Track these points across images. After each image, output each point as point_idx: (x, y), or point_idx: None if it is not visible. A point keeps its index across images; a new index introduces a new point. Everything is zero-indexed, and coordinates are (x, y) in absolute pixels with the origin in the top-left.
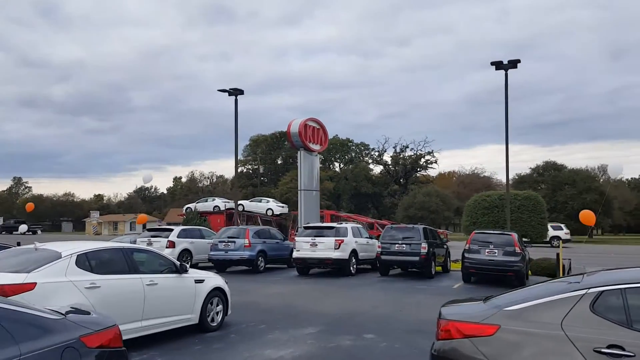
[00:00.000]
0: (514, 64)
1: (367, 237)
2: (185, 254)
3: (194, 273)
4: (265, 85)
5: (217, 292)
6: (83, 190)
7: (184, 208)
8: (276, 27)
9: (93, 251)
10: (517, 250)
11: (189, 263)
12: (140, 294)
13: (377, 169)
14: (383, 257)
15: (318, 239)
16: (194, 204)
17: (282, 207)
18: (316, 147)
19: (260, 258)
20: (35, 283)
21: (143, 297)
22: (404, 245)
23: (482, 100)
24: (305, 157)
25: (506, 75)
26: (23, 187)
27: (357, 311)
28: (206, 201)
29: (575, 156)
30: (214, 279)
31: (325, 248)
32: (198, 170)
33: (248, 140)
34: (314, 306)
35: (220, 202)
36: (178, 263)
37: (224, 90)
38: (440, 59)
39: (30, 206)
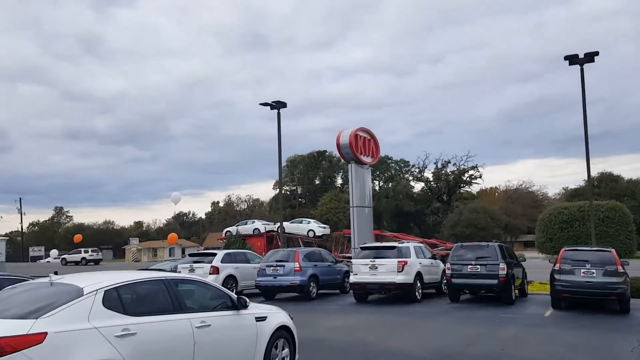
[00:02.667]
0: (590, 57)
1: (430, 258)
2: (230, 280)
3: (254, 308)
4: (300, 109)
5: (283, 331)
6: (123, 218)
7: (224, 232)
8: (310, 52)
9: (126, 285)
10: (620, 269)
11: (234, 290)
12: (189, 339)
13: (418, 186)
14: (454, 280)
15: (378, 261)
16: (233, 227)
17: (324, 227)
18: (368, 159)
19: (312, 283)
20: (46, 333)
21: (192, 344)
22: (479, 267)
23: (518, 115)
24: (357, 170)
25: (582, 70)
26: (64, 216)
27: (449, 351)
28: (246, 224)
29: (619, 168)
30: (277, 315)
31: (386, 271)
32: (235, 194)
33: (285, 162)
34: (392, 343)
35: (260, 225)
36: (235, 296)
37: (266, 104)
38: (474, 74)
39: (78, 237)
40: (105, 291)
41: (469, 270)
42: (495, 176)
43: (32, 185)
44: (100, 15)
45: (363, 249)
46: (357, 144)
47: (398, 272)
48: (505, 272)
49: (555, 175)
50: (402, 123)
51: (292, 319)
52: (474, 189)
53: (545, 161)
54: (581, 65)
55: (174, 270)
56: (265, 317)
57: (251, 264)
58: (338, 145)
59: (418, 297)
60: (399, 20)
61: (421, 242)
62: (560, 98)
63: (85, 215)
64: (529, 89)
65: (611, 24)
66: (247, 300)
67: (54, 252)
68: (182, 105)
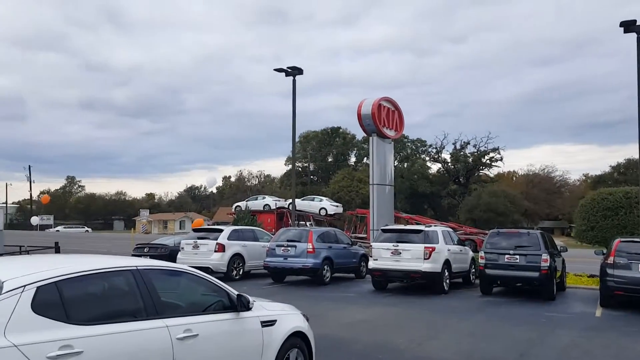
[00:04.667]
0: None
1: (459, 244)
2: (237, 259)
3: (260, 309)
4: (315, 87)
5: (296, 339)
6: (135, 189)
7: (234, 207)
8: (330, 28)
9: (74, 278)
10: None
11: (242, 270)
12: (167, 356)
13: (434, 167)
14: (488, 271)
15: (402, 246)
16: (243, 202)
17: (337, 206)
18: (391, 132)
19: (325, 267)
20: None
21: None
22: (517, 257)
23: (537, 100)
24: (379, 144)
25: (638, 39)
26: (76, 186)
27: None
28: (256, 199)
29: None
30: (290, 318)
31: (411, 257)
32: (246, 170)
33: (298, 138)
34: (429, 349)
35: (271, 201)
36: (234, 293)
37: (280, 70)
38: (494, 56)
39: (45, 198)
40: (38, 288)
41: (506, 260)
42: (510, 160)
43: (46, 154)
44: None
45: (385, 231)
46: (380, 115)
47: (424, 259)
48: (547, 264)
49: (570, 161)
50: (420, 104)
51: (308, 320)
52: (493, 172)
53: (560, 147)
54: (638, 33)
55: (177, 245)
56: (275, 320)
57: (260, 242)
58: (359, 115)
59: (445, 288)
60: None
61: (448, 226)
62: (579, 84)
63: (98, 186)
64: (547, 73)
65: (635, 8)
66: (250, 298)
67: (34, 220)
68: (197, 79)
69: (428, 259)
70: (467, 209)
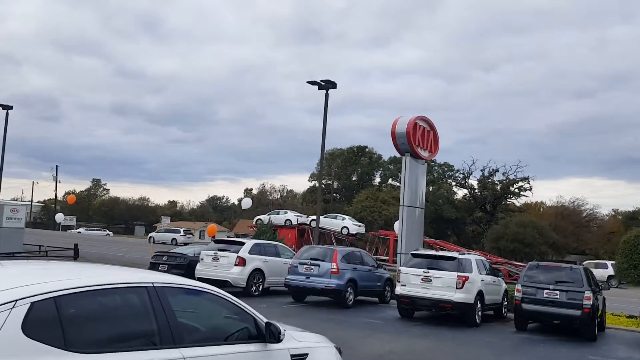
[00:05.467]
0: None
1: (492, 274)
2: (257, 274)
3: (289, 340)
4: (343, 106)
5: None
6: (159, 196)
7: (255, 219)
8: (362, 49)
9: (77, 294)
10: None
11: (261, 286)
12: None
13: (460, 193)
14: (525, 306)
15: (433, 273)
16: (265, 215)
17: (359, 226)
18: (425, 153)
19: (349, 289)
20: None
21: None
22: (558, 293)
23: (566, 132)
24: (411, 165)
25: None
26: (101, 188)
27: None
28: (278, 214)
29: None
30: (322, 352)
31: (442, 286)
32: (269, 183)
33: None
34: None
35: (293, 216)
36: (263, 321)
37: (314, 83)
38: (527, 86)
39: (71, 198)
40: (33, 304)
41: (545, 295)
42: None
43: (75, 156)
44: None
45: (415, 256)
46: (415, 135)
47: (457, 288)
48: (590, 303)
49: (597, 196)
50: (447, 129)
51: (341, 353)
52: (520, 201)
53: (589, 181)
54: None
55: (197, 256)
56: (306, 354)
57: (281, 258)
58: (393, 133)
59: (477, 320)
60: (456, 23)
61: (481, 255)
62: (612, 118)
63: (123, 190)
64: (582, 105)
65: None
66: (281, 329)
67: (59, 217)
68: (229, 91)
69: (460, 288)
70: (493, 238)
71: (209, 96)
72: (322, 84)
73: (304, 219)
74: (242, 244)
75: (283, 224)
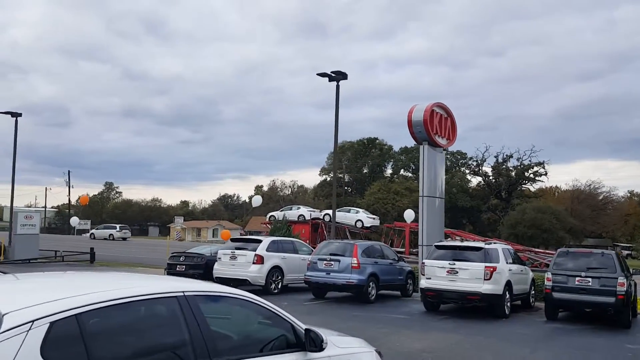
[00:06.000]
0: None
1: (519, 263)
2: (276, 272)
3: (330, 347)
4: (350, 98)
5: None
6: (170, 196)
7: (268, 216)
8: (367, 41)
9: (102, 309)
10: None
11: (280, 284)
12: None
13: (474, 181)
14: (555, 294)
15: (459, 264)
16: (278, 212)
17: (374, 219)
18: (443, 141)
19: (371, 284)
20: None
21: None
22: (590, 280)
23: (575, 115)
24: (429, 153)
25: None
26: (114, 192)
27: None
28: (290, 209)
29: None
30: (365, 357)
31: (469, 277)
32: (279, 180)
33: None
34: None
35: (306, 211)
36: (302, 327)
37: (324, 75)
38: (533, 70)
39: (84, 199)
40: (52, 323)
41: (576, 283)
42: (550, 175)
43: (86, 160)
44: None
45: (439, 247)
46: (433, 122)
47: (485, 279)
48: (624, 289)
49: (611, 177)
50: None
51: (382, 356)
52: (535, 186)
53: (601, 163)
54: None
55: (214, 255)
56: None
57: (299, 255)
58: (409, 121)
59: (506, 311)
60: (461, 12)
61: (506, 244)
62: (620, 99)
63: (135, 193)
64: (589, 88)
65: None
66: (323, 337)
67: (74, 220)
68: (235, 90)
69: (489, 279)
70: (510, 224)
71: (214, 96)
72: (333, 75)
73: (317, 213)
74: (260, 241)
75: (296, 219)
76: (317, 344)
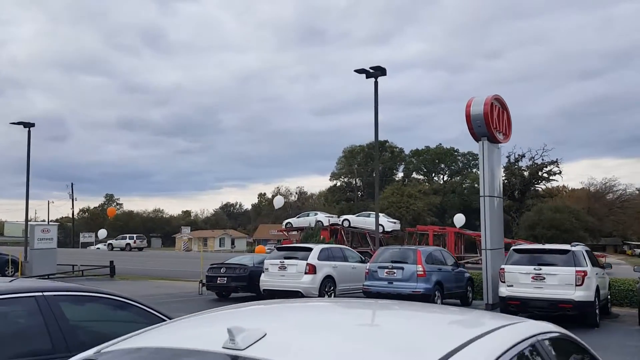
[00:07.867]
0: None
1: (598, 265)
2: (328, 282)
3: None
4: (349, 104)
5: None
6: (171, 207)
7: (284, 223)
8: (365, 46)
9: None
10: None
11: (333, 295)
12: None
13: None
14: None
15: (545, 269)
16: (294, 218)
17: (394, 222)
18: (501, 136)
19: (437, 293)
20: None
21: None
22: None
23: (574, 114)
24: (489, 150)
25: None
26: (114, 203)
27: None
28: (307, 215)
29: None
30: None
31: (559, 283)
32: (284, 186)
33: (342, 152)
34: None
35: (323, 217)
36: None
37: (361, 71)
38: (532, 71)
39: (111, 211)
40: None
41: None
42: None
43: (85, 173)
44: (163, 8)
45: (518, 251)
46: (493, 116)
47: (576, 285)
48: None
49: (611, 177)
50: (454, 120)
51: None
52: (548, 186)
53: (599, 161)
54: None
55: (258, 266)
56: None
57: (350, 263)
58: (468, 115)
59: (597, 320)
60: (458, 14)
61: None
62: (619, 97)
63: (135, 204)
64: (588, 87)
65: None
66: None
67: (102, 233)
68: (235, 98)
69: (580, 285)
70: (528, 225)
71: (213, 105)
72: (371, 71)
73: (335, 219)
74: (309, 249)
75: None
76: None
